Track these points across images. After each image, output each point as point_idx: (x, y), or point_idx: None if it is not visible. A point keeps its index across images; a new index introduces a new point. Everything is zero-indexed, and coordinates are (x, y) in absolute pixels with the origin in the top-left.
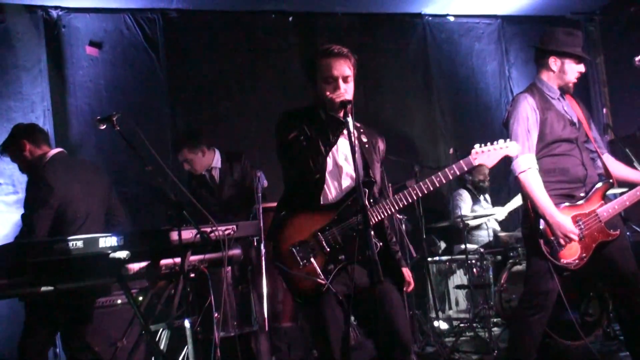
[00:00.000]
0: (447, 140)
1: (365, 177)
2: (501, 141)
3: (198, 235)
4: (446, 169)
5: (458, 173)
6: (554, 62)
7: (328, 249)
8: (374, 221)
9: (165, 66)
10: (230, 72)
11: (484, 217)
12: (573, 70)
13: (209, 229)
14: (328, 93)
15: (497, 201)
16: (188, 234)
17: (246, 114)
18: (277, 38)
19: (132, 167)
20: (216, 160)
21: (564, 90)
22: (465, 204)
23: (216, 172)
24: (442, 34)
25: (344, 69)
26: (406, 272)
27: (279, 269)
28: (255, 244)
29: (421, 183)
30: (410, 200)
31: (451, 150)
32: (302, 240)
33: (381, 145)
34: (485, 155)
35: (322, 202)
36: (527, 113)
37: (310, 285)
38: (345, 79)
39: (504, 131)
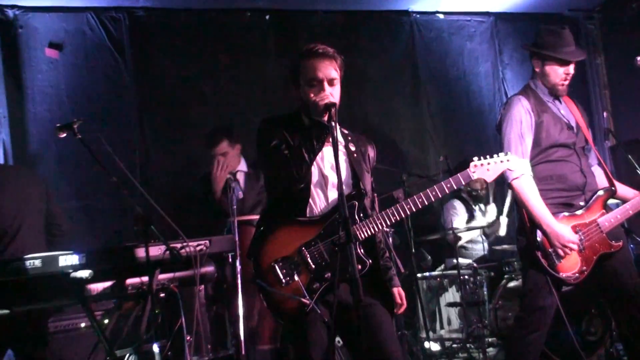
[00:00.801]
0: (437, 146)
1: (354, 188)
2: (502, 154)
3: (167, 252)
4: (442, 183)
5: (455, 187)
6: (536, 64)
7: (313, 266)
8: (363, 236)
9: (131, 69)
10: (203, 75)
11: (478, 229)
12: (556, 73)
13: (179, 245)
14: (312, 96)
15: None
16: (156, 251)
17: (222, 120)
18: (254, 38)
19: (96, 178)
20: (242, 163)
21: (552, 92)
22: (458, 215)
23: (241, 177)
24: (431, 32)
25: (330, 71)
26: (397, 292)
27: (259, 286)
28: (231, 260)
29: (415, 197)
30: (402, 215)
31: (441, 158)
32: (285, 255)
33: (371, 153)
34: (484, 169)
35: (307, 215)
36: (520, 116)
37: (294, 304)
38: (330, 82)
39: (498, 136)
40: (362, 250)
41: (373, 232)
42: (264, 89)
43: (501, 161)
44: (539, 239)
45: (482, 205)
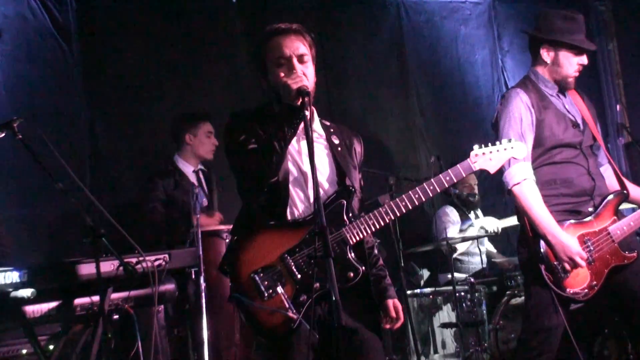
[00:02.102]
0: (429, 145)
1: (340, 185)
2: (505, 141)
3: (121, 268)
4: (440, 176)
5: (455, 180)
6: (546, 53)
7: (299, 276)
8: (354, 240)
9: (80, 60)
10: (161, 66)
11: (476, 239)
12: (571, 62)
13: (134, 259)
14: (282, 76)
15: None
16: (108, 266)
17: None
18: (219, 24)
19: (40, 184)
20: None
21: (561, 86)
22: (453, 224)
23: (205, 174)
24: (421, 16)
25: (297, 45)
26: (392, 305)
27: (236, 301)
28: (194, 276)
29: (411, 193)
30: (397, 214)
31: (433, 158)
32: (266, 265)
33: (358, 147)
34: (487, 158)
35: (288, 218)
36: (520, 112)
37: (278, 320)
38: (300, 58)
39: (494, 135)
40: (353, 255)
41: (365, 234)
42: (231, 81)
43: (504, 149)
44: (542, 250)
45: (478, 212)
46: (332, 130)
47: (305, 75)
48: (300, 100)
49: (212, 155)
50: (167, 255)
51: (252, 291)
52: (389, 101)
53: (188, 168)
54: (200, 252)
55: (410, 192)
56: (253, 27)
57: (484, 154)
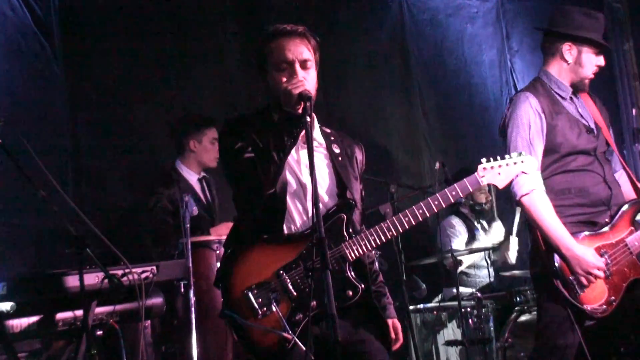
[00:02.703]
0: (433, 151)
1: (340, 198)
2: (514, 154)
3: (106, 280)
4: (446, 190)
5: (461, 195)
6: (568, 51)
7: (295, 293)
8: (353, 256)
9: (62, 58)
10: (149, 65)
11: (482, 251)
12: (591, 62)
13: (120, 272)
14: (283, 81)
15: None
16: (93, 279)
17: (171, 120)
18: (210, 22)
19: (19, 191)
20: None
21: (577, 88)
22: (458, 236)
23: (207, 181)
24: (424, 14)
25: (301, 50)
26: (392, 325)
27: (229, 319)
28: (183, 290)
29: (415, 208)
30: (400, 230)
31: (437, 165)
32: (260, 281)
33: (359, 156)
34: (494, 173)
35: (285, 232)
36: (529, 118)
37: (272, 340)
38: (303, 64)
39: (502, 141)
40: (352, 273)
41: (365, 251)
42: (222, 84)
43: (514, 162)
44: (557, 264)
45: (485, 223)
46: (332, 138)
47: (306, 80)
48: (302, 106)
49: (216, 163)
50: (154, 267)
51: (245, 309)
52: (390, 104)
53: (192, 176)
54: (190, 264)
55: (414, 207)
56: (247, 27)
57: (492, 168)
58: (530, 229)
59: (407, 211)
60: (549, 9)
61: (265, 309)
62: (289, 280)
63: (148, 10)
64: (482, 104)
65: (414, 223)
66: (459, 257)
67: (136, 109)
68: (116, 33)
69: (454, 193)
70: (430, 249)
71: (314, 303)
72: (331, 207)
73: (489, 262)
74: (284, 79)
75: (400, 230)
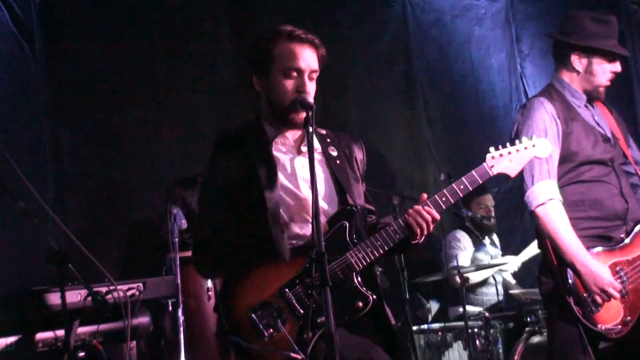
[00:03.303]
0: (438, 160)
1: (341, 204)
2: (525, 139)
3: (89, 298)
4: (454, 185)
5: (470, 188)
6: (577, 61)
7: (302, 311)
8: (359, 265)
9: (42, 60)
10: (134, 68)
11: (491, 268)
12: (604, 70)
13: (104, 289)
14: (290, 89)
15: (508, 247)
16: (75, 296)
17: (157, 127)
18: (201, 22)
19: None
20: None
21: (592, 97)
22: (464, 251)
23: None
24: (429, 15)
25: (314, 61)
26: (410, 217)
27: (234, 345)
28: (171, 308)
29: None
30: (408, 231)
31: (443, 176)
32: (264, 301)
33: (359, 154)
34: (505, 160)
35: (287, 245)
36: (545, 124)
37: None
38: (311, 75)
39: None
40: (361, 282)
41: (372, 257)
42: (215, 88)
43: (525, 147)
44: (570, 281)
45: (494, 238)
46: (328, 140)
47: (311, 92)
48: (305, 114)
49: None
50: (141, 285)
51: (250, 332)
52: (392, 111)
53: None
54: (179, 281)
55: (410, 209)
56: (241, 28)
57: (501, 155)
58: (542, 242)
59: (415, 207)
60: (562, 10)
61: (271, 330)
62: (293, 298)
63: (134, 11)
64: (491, 111)
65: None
66: (465, 274)
67: (121, 112)
68: (100, 34)
69: (462, 187)
70: (435, 265)
71: (321, 319)
72: (331, 215)
73: (497, 279)
74: (291, 87)
75: (408, 232)
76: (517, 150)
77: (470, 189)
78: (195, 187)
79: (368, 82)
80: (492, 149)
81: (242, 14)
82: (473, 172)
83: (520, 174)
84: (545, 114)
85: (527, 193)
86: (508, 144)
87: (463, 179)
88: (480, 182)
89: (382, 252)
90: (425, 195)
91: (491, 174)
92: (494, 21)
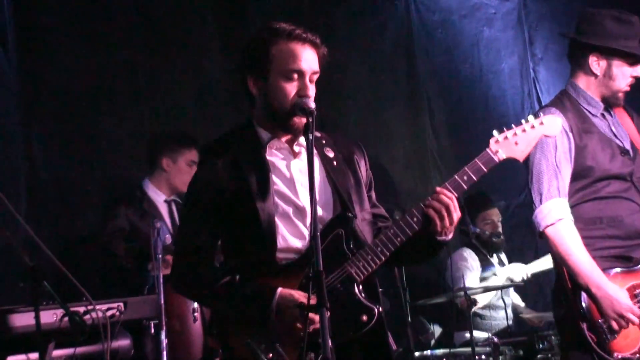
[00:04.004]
0: (443, 172)
1: (337, 210)
2: (530, 117)
3: (66, 318)
4: (455, 176)
5: (475, 178)
6: (595, 63)
7: (301, 333)
8: (360, 276)
9: (16, 62)
10: (116, 72)
11: (500, 289)
12: (624, 74)
13: (82, 308)
14: (291, 92)
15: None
16: (50, 316)
17: (139, 130)
18: (188, 21)
19: None
20: None
21: (610, 103)
22: (472, 271)
23: (175, 205)
24: (435, 14)
25: (315, 62)
26: (430, 205)
27: None
28: (153, 330)
29: (422, 203)
30: (410, 233)
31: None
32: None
33: (359, 156)
34: (511, 142)
35: (280, 261)
36: (554, 138)
37: None
38: (312, 77)
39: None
40: (363, 294)
41: (374, 266)
42: (201, 95)
43: (532, 126)
44: (584, 305)
45: (503, 257)
46: (324, 141)
47: (312, 96)
48: (305, 120)
49: (184, 186)
50: (122, 304)
51: (247, 357)
52: (394, 119)
53: (159, 197)
54: (162, 301)
55: (421, 202)
56: (230, 26)
57: (506, 139)
58: (555, 264)
59: (414, 210)
60: (580, 10)
61: (270, 354)
62: (285, 327)
63: (117, 10)
64: (501, 119)
65: (424, 222)
66: (472, 296)
67: (100, 120)
68: (79, 35)
69: (465, 178)
70: (439, 286)
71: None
72: (325, 223)
73: (506, 302)
74: (291, 90)
75: (410, 233)
76: (524, 131)
77: (475, 179)
78: (136, 203)
79: (367, 87)
80: (495, 132)
81: (230, 10)
82: (476, 160)
83: (529, 192)
84: None
85: (535, 212)
86: (513, 125)
87: (466, 168)
88: (486, 170)
89: (383, 258)
90: (438, 188)
91: (497, 160)
92: (505, 22)
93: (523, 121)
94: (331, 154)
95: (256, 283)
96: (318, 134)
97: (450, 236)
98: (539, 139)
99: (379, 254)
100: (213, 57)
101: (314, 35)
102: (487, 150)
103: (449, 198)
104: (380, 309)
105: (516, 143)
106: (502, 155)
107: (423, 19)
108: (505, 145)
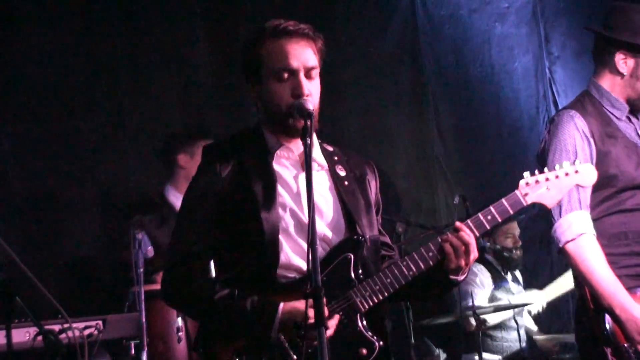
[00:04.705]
0: (450, 181)
1: (348, 231)
2: (566, 164)
3: (40, 337)
4: (479, 214)
5: (500, 219)
6: (622, 61)
7: (295, 357)
8: (364, 307)
9: None
10: (91, 66)
11: (513, 308)
12: None
13: (57, 327)
14: (282, 93)
15: (533, 284)
16: (23, 335)
17: (118, 136)
18: (172, 9)
19: None
20: None
21: (636, 106)
22: (482, 288)
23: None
24: (442, 9)
25: (307, 55)
26: (447, 239)
27: None
28: (134, 351)
29: (440, 238)
30: (424, 267)
31: (457, 199)
32: (252, 343)
33: (371, 176)
34: (542, 187)
35: (280, 278)
36: (574, 143)
37: None
38: (308, 73)
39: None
40: (365, 326)
41: (381, 297)
42: (187, 91)
43: (566, 173)
44: (608, 328)
45: (517, 274)
46: (336, 158)
47: (311, 93)
48: (302, 123)
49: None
50: (100, 322)
51: None
52: (397, 122)
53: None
54: (144, 320)
55: (439, 237)
56: (219, 25)
57: (537, 182)
58: (576, 283)
59: (430, 244)
60: (601, 5)
61: None
62: (286, 341)
63: (94, 3)
64: (514, 123)
65: (439, 258)
66: (482, 316)
67: (75, 118)
68: (54, 29)
69: (489, 218)
70: (445, 305)
71: None
72: (334, 245)
73: (519, 322)
74: (285, 91)
75: (424, 268)
76: (557, 177)
77: (500, 220)
78: (155, 210)
79: (369, 87)
80: (526, 174)
81: (220, 8)
82: (503, 200)
83: None
84: (575, 132)
85: (554, 226)
86: (546, 169)
87: (491, 208)
88: (512, 212)
89: (391, 290)
90: (458, 223)
91: (524, 204)
92: (519, 17)
93: (557, 166)
94: (343, 173)
95: (257, 297)
96: (330, 148)
97: (463, 277)
98: (572, 185)
99: (387, 286)
100: (202, 60)
101: (304, 27)
102: (516, 192)
103: (469, 236)
104: (382, 344)
105: (547, 189)
106: (530, 199)
107: (429, 13)
108: (536, 189)
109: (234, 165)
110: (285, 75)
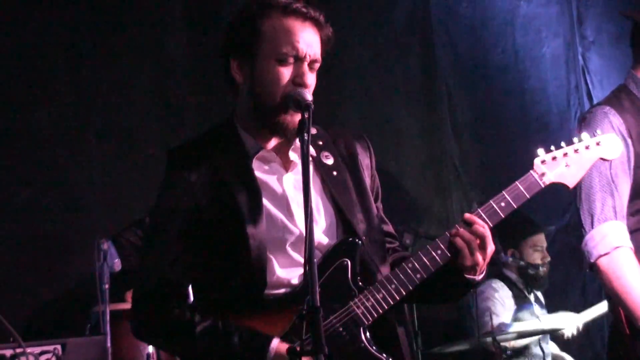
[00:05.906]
0: (465, 185)
1: (342, 231)
2: (585, 135)
3: None
4: (492, 202)
5: (515, 205)
6: None
7: None
8: (368, 319)
9: None
10: (52, 51)
11: (542, 334)
12: None
13: (9, 352)
14: (282, 78)
15: (561, 305)
16: None
17: (83, 132)
18: (151, 5)
19: None
20: None
21: None
22: (503, 307)
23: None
24: None
25: (317, 46)
26: (456, 233)
27: None
28: None
29: (449, 233)
30: (432, 269)
31: (475, 206)
32: None
33: (364, 155)
34: (561, 164)
35: (269, 297)
36: None
37: None
38: (312, 64)
39: None
40: (371, 341)
41: (386, 306)
42: (161, 78)
43: (587, 146)
44: None
45: (540, 294)
46: (320, 142)
47: (309, 88)
48: (298, 117)
49: None
50: (59, 347)
51: None
52: (406, 117)
53: None
54: (109, 344)
55: (447, 232)
56: (199, 10)
57: (554, 159)
58: (610, 302)
59: (437, 240)
60: None
61: None
62: None
63: None
64: (540, 118)
65: (449, 255)
66: (503, 342)
67: (34, 112)
68: (20, 12)
69: (503, 205)
70: (460, 329)
71: None
72: (327, 250)
73: (545, 350)
74: (285, 77)
75: (432, 270)
76: (576, 151)
77: (515, 207)
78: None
79: (374, 77)
80: (541, 151)
81: None
82: (517, 183)
83: (577, 214)
84: (611, 130)
85: (585, 239)
86: (563, 144)
87: (504, 193)
88: (528, 196)
89: (398, 298)
90: (468, 215)
91: (542, 185)
92: None
93: (575, 140)
94: (330, 161)
95: (244, 329)
96: (314, 130)
97: (481, 276)
98: (595, 159)
99: (393, 293)
100: (181, 48)
101: (316, 12)
102: (531, 172)
103: (483, 227)
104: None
105: (567, 165)
106: (549, 178)
107: None
108: (554, 167)
109: (206, 171)
110: (290, 59)
